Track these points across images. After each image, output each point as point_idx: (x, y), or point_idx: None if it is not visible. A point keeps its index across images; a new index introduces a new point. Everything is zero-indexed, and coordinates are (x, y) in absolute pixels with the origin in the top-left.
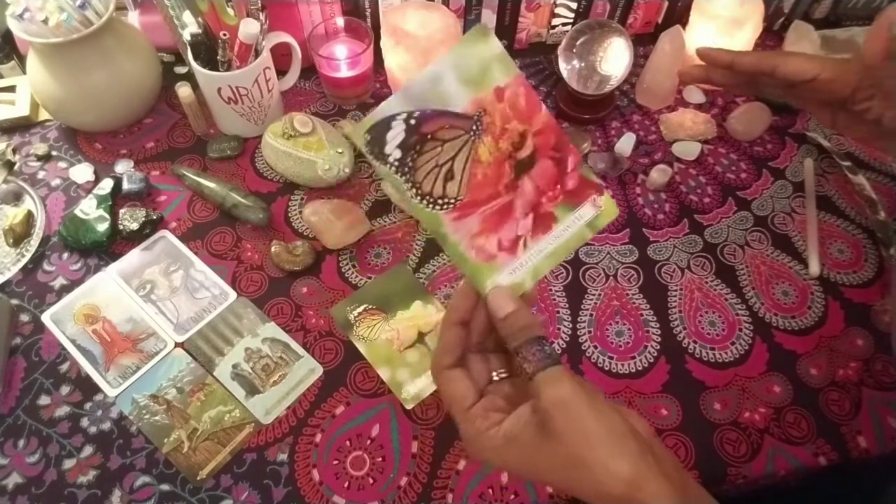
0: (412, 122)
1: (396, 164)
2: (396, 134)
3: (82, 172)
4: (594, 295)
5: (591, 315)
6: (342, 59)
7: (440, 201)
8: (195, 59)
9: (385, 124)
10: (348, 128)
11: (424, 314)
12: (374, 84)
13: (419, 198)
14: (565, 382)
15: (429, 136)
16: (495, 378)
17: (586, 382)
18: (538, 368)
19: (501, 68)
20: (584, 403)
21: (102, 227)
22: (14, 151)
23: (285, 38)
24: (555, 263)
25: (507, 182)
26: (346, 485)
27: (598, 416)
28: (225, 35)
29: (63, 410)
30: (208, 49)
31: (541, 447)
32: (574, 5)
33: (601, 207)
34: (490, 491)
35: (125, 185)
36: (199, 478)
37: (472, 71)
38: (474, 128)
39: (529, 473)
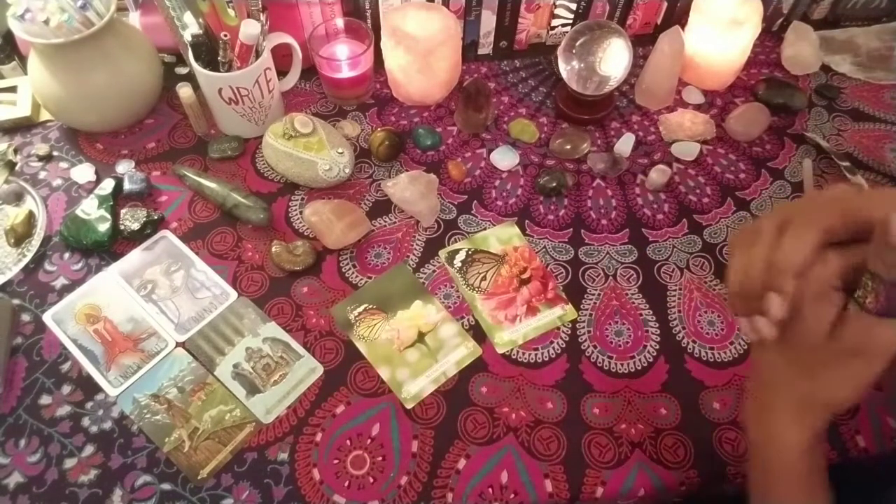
0: (470, 252)
1: (458, 268)
2: (462, 257)
3: (83, 173)
4: (594, 295)
5: (591, 315)
6: (342, 59)
7: (477, 290)
8: (196, 59)
9: (455, 251)
10: (348, 128)
11: (424, 314)
12: (375, 85)
13: (467, 286)
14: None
15: (476, 260)
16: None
17: None
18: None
19: (519, 240)
20: None
21: (103, 227)
22: (15, 152)
23: (286, 38)
24: (536, 335)
25: (514, 288)
26: (346, 484)
27: None
28: (226, 36)
29: (64, 410)
30: (209, 50)
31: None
32: (573, 6)
33: (566, 311)
34: (490, 490)
35: (126, 186)
36: (199, 477)
37: (503, 237)
38: (500, 260)
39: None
